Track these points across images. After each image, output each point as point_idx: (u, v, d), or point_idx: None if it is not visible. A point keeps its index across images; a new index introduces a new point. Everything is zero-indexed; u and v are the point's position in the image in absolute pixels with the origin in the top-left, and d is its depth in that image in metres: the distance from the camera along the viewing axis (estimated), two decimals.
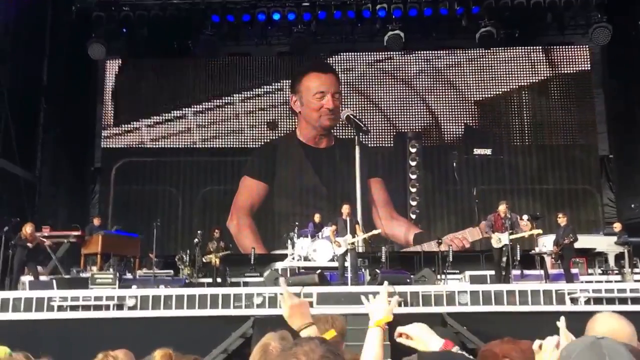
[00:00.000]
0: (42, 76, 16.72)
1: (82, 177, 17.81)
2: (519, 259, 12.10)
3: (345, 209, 11.98)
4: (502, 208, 11.99)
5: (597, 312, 2.53)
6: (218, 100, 17.80)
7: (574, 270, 12.58)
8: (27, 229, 11.93)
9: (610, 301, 9.74)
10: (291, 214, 16.25)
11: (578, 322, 2.48)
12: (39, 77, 16.62)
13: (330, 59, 17.73)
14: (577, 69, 17.66)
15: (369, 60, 17.63)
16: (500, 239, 11.72)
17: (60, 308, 9.71)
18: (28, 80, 16.17)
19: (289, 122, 17.55)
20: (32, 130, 16.47)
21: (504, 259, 11.51)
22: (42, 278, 12.15)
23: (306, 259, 12.90)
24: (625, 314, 2.55)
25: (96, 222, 14.38)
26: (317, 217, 14.00)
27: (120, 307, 9.71)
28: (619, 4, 15.89)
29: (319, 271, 11.54)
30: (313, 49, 16.70)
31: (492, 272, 12.40)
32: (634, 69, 16.62)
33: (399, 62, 17.43)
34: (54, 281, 11.16)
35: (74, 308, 9.75)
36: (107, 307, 9.78)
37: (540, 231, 12.03)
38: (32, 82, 16.37)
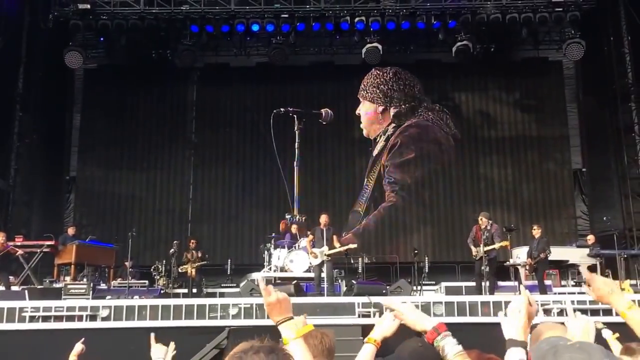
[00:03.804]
0: (18, 84, 16.54)
1: (57, 186, 17.63)
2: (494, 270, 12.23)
3: (323, 218, 11.99)
4: (481, 220, 12.13)
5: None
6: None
7: (547, 282, 12.74)
8: None
9: (582, 313, 9.82)
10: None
11: None
12: (14, 85, 16.43)
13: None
14: (551, 83, 17.96)
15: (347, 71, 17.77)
16: (478, 251, 11.87)
17: (32, 319, 9.55)
18: (3, 88, 15.97)
19: None
20: (6, 139, 16.27)
21: (484, 269, 11.64)
22: (14, 288, 11.97)
23: (283, 269, 12.90)
24: None
25: (70, 231, 14.24)
26: (294, 228, 14.00)
27: (93, 317, 9.58)
28: (592, 21, 16.19)
29: (295, 282, 11.53)
30: (291, 60, 16.74)
31: (468, 284, 12.53)
32: (607, 84, 16.95)
33: (377, 73, 17.48)
34: (26, 291, 10.98)
35: (46, 319, 9.59)
36: (80, 318, 9.64)
37: (507, 243, 12.10)
38: (8, 90, 16.18)
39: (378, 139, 17.14)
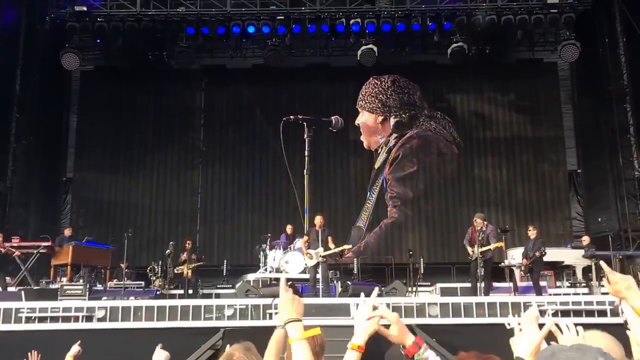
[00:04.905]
0: (15, 85, 16.56)
1: (54, 187, 17.66)
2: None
3: (318, 219, 12.03)
4: (476, 221, 12.17)
5: (586, 330, 2.55)
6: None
7: (542, 283, 12.78)
8: None
9: (578, 313, 9.88)
10: None
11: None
12: (11, 87, 16.46)
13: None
14: (547, 84, 18.02)
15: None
16: (473, 252, 11.91)
17: (28, 319, 9.58)
18: (0, 89, 16.01)
19: None
20: (4, 140, 16.29)
21: (479, 271, 11.67)
22: (10, 289, 11.99)
23: (278, 270, 12.94)
24: (592, 326, 2.62)
25: (67, 232, 14.27)
26: (289, 229, 14.04)
27: (89, 318, 9.61)
28: (587, 22, 16.25)
29: (290, 283, 11.53)
30: (287, 62, 16.79)
31: (463, 285, 12.57)
32: (602, 85, 17.02)
33: (375, 82, 17.38)
34: (23, 292, 11.01)
35: (42, 320, 9.62)
36: (76, 319, 9.67)
37: (501, 244, 12.14)
38: (5, 91, 16.21)
39: (380, 151, 17.00)
